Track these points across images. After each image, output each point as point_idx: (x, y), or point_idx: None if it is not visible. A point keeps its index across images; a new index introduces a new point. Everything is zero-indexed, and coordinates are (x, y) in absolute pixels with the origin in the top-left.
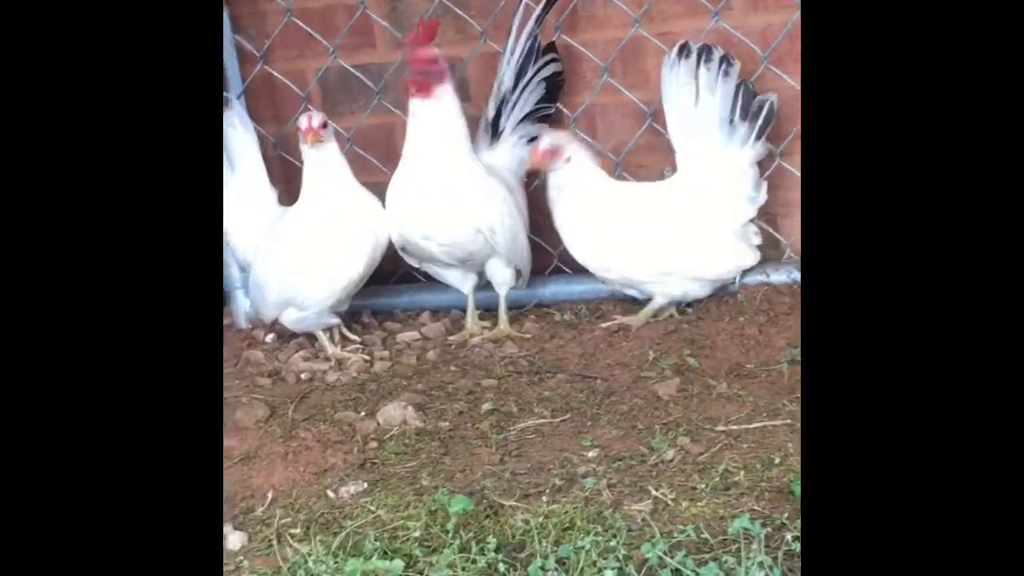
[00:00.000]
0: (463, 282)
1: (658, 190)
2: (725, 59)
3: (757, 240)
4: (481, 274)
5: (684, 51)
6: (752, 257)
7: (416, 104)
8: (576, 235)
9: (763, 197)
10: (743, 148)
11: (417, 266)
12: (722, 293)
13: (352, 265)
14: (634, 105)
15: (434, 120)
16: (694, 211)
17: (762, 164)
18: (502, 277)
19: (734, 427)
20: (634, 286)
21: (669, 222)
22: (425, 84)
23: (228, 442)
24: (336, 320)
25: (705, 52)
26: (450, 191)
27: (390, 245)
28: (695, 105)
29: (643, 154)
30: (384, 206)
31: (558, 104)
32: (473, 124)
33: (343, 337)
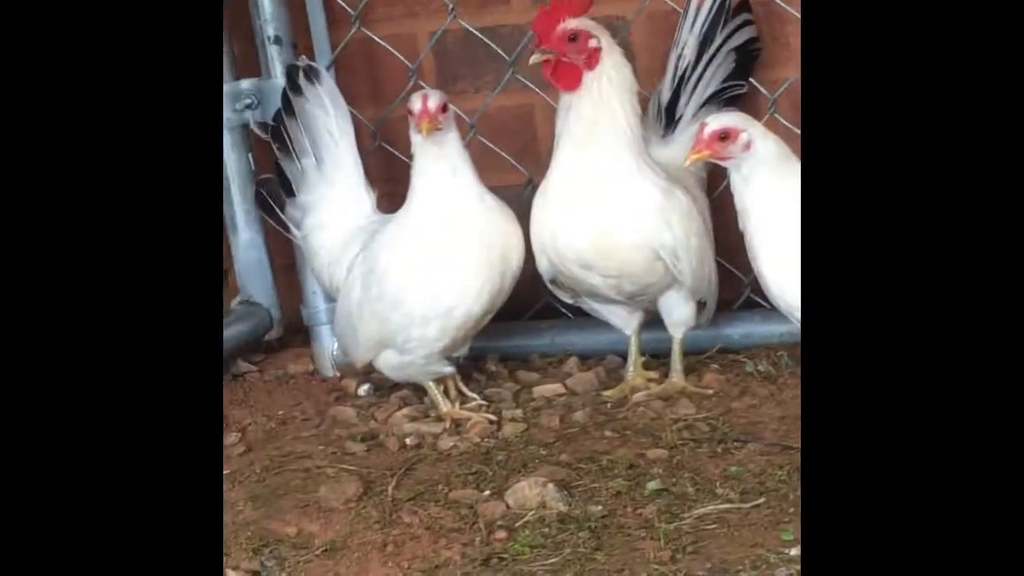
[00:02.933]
0: (628, 321)
1: None
2: None
3: None
4: (649, 309)
5: None
6: None
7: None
8: (769, 263)
9: None
10: None
11: (569, 301)
12: None
13: (474, 296)
14: None
15: (594, 110)
16: None
17: None
18: (681, 315)
19: None
20: None
21: None
22: (568, 73)
23: (309, 527)
24: (450, 368)
25: None
26: (620, 205)
27: (525, 269)
28: None
29: None
30: (521, 220)
31: (752, 81)
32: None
33: (460, 391)
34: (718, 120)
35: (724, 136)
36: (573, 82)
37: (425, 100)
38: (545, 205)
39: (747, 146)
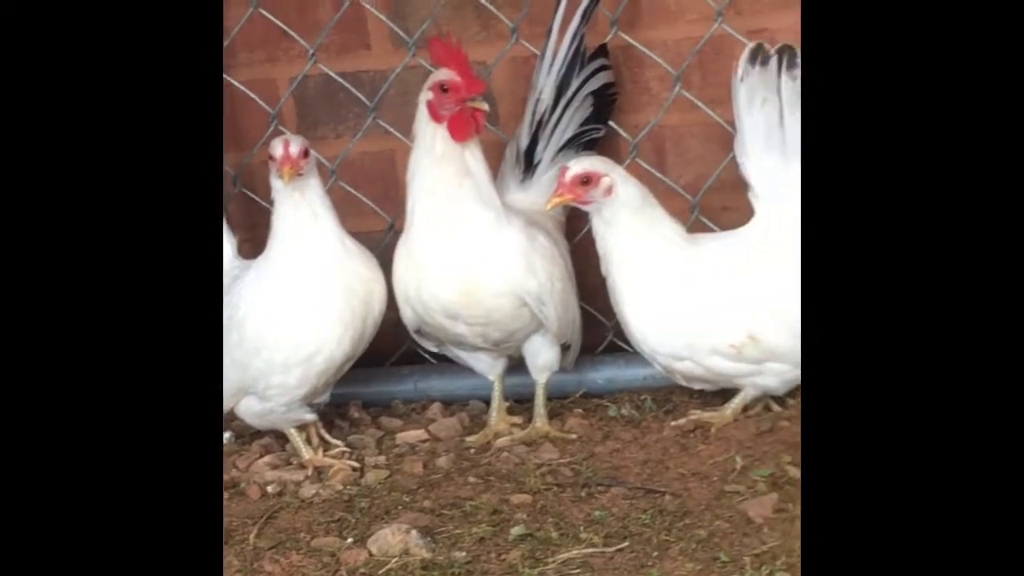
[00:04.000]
0: (492, 367)
1: (740, 243)
2: None
3: None
4: (513, 355)
5: (758, 56)
6: None
7: (439, 138)
8: (632, 308)
9: None
10: None
11: (435, 350)
12: None
13: (335, 342)
14: (717, 126)
15: (461, 159)
16: (788, 271)
17: None
18: (546, 359)
19: None
20: (714, 381)
21: (764, 289)
22: (478, 123)
23: None
24: (312, 415)
25: (787, 56)
26: (483, 253)
27: (387, 314)
28: (779, 127)
29: (729, 193)
30: (383, 265)
31: (612, 124)
32: (498, 151)
33: (323, 438)
34: (580, 164)
35: (586, 180)
36: (467, 133)
37: (286, 145)
38: (408, 256)
39: (609, 190)
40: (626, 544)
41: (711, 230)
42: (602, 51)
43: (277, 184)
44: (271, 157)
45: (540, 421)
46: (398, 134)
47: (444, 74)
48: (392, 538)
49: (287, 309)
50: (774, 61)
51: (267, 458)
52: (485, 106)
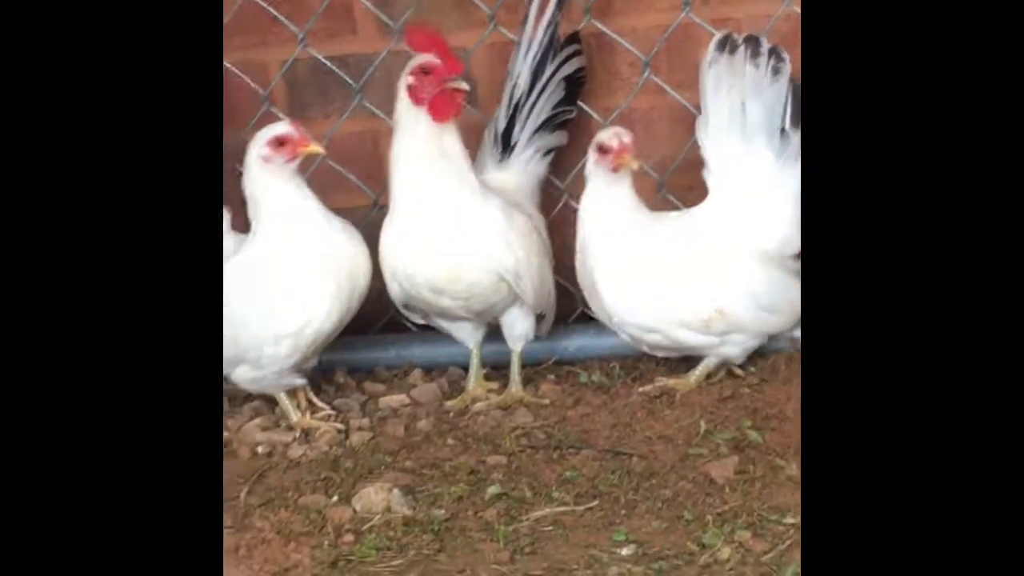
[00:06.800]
0: (472, 335)
1: (701, 220)
2: (774, 53)
3: None
4: (491, 323)
5: (727, 44)
6: None
7: (420, 121)
8: (604, 282)
9: None
10: (797, 162)
11: (421, 322)
12: (791, 349)
13: (324, 315)
14: (683, 109)
15: (440, 141)
16: (747, 245)
17: None
18: (523, 329)
19: None
20: (679, 351)
21: (729, 265)
22: (457, 104)
23: None
24: (302, 380)
25: (752, 45)
26: (466, 231)
27: (371, 286)
28: (741, 111)
29: (694, 172)
30: (367, 239)
31: (585, 107)
32: (476, 132)
33: (310, 402)
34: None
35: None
36: (447, 114)
37: (297, 126)
38: (395, 236)
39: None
40: (595, 503)
41: (677, 208)
42: (575, 38)
43: (264, 165)
44: (277, 140)
45: (515, 387)
46: (382, 115)
47: (425, 58)
48: (375, 496)
49: (279, 285)
50: (741, 50)
51: (257, 420)
52: (465, 85)
